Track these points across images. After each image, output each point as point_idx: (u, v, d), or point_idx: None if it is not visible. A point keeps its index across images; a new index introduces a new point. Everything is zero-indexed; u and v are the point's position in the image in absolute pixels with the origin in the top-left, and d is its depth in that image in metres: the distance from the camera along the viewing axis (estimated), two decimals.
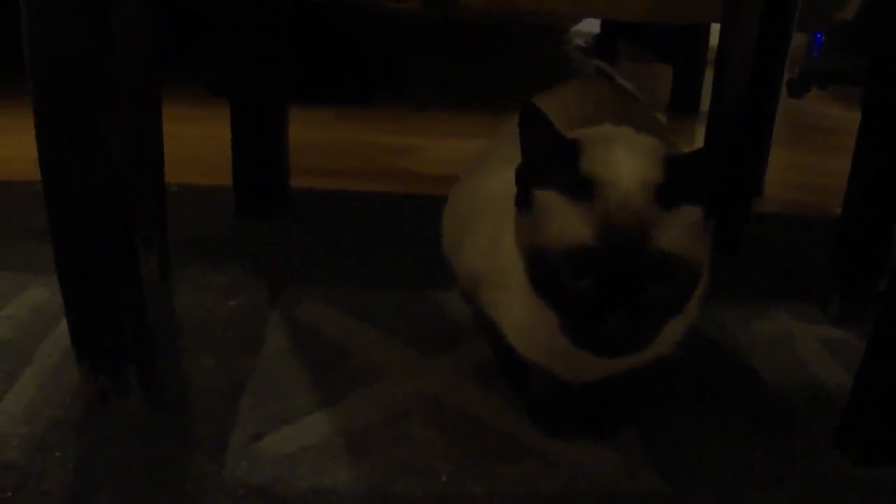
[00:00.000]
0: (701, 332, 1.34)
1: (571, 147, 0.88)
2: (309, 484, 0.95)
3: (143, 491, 0.92)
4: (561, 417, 1.09)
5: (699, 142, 1.78)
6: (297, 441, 1.02)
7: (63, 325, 1.05)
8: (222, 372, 1.15)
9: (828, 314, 1.47)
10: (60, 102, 0.92)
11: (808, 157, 2.66)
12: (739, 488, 1.01)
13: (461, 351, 1.25)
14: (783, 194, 2.19)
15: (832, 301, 1.47)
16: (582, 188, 0.86)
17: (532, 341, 1.00)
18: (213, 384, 1.13)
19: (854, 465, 1.06)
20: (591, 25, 3.80)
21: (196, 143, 2.08)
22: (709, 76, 2.32)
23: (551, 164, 0.88)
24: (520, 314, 0.97)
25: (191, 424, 1.04)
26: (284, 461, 0.99)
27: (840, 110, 3.43)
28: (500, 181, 0.97)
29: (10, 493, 0.90)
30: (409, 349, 1.25)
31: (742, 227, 1.73)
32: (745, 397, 1.22)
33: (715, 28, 2.70)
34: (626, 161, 0.87)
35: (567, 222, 0.86)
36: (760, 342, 1.36)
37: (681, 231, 0.85)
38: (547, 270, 0.87)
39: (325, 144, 2.30)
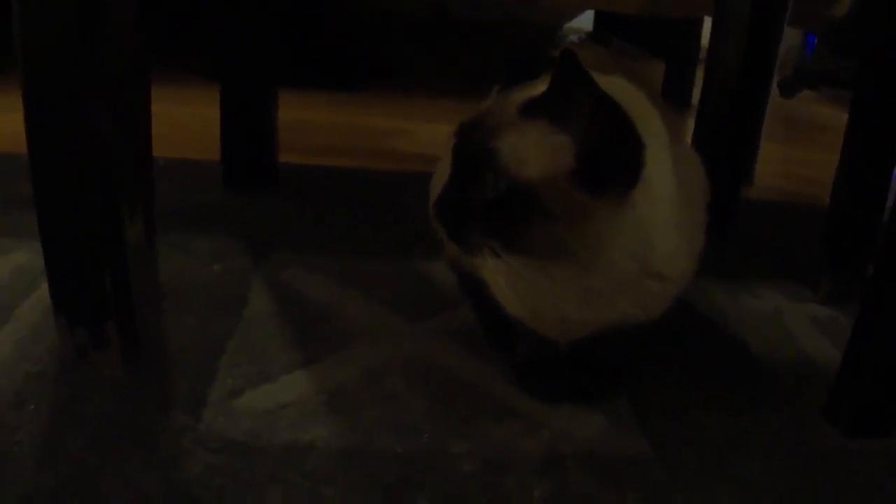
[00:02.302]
0: (692, 308, 1.34)
1: (541, 67, 0.90)
2: (287, 439, 0.93)
3: (117, 443, 0.90)
4: (548, 379, 1.07)
5: (690, 135, 1.79)
6: (276, 398, 1.00)
7: (44, 288, 1.03)
8: (204, 332, 1.14)
9: (817, 294, 1.46)
10: (49, 78, 0.91)
11: (799, 151, 2.66)
12: (728, 457, 0.99)
13: (447, 316, 1.24)
14: (775, 184, 2.20)
15: (821, 281, 1.46)
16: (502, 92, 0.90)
17: (518, 298, 0.98)
18: (193, 343, 1.11)
19: (844, 436, 1.05)
20: (584, 22, 3.80)
21: (188, 122, 2.08)
22: (701, 71, 2.32)
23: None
24: (508, 274, 0.96)
25: (169, 380, 1.02)
26: (263, 417, 0.97)
27: (831, 111, 3.44)
28: None
29: None
30: (395, 314, 1.23)
31: (731, 212, 1.72)
32: (735, 370, 1.20)
33: (708, 24, 2.70)
34: None
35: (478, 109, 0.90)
36: (750, 318, 1.35)
37: (527, 144, 0.83)
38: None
39: (317, 126, 2.29)
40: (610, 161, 0.83)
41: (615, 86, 0.89)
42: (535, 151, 0.83)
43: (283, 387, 1.03)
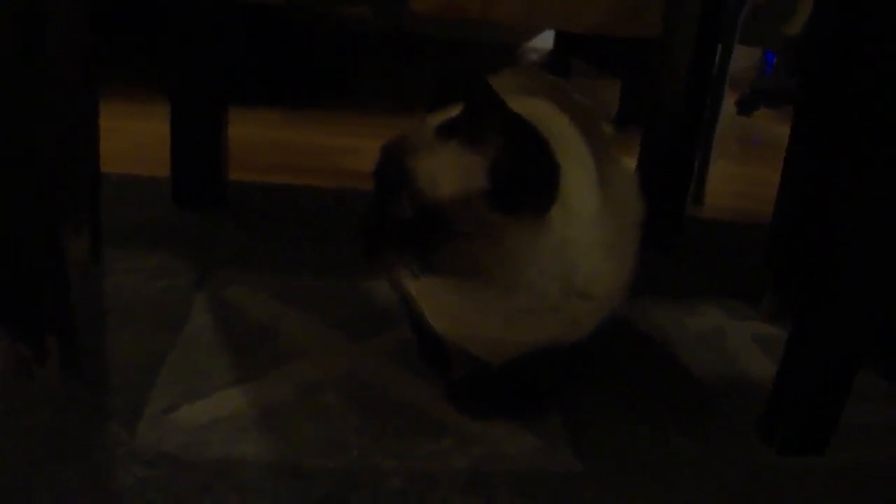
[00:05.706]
0: (632, 327, 1.36)
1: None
2: (219, 453, 0.95)
3: (52, 456, 0.91)
4: (481, 397, 1.09)
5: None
6: (210, 413, 1.02)
7: None
8: (144, 347, 1.15)
9: (760, 312, 1.49)
10: None
11: (755, 170, 2.69)
12: (660, 474, 1.02)
13: (387, 336, 1.25)
14: (729, 203, 2.23)
15: (764, 299, 1.49)
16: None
17: (442, 318, 1.00)
18: (133, 359, 1.12)
19: (777, 453, 1.08)
20: (544, 42, 3.83)
21: (143, 138, 2.09)
22: None
23: None
24: (435, 294, 0.98)
25: (106, 395, 1.03)
26: (197, 431, 0.98)
27: (787, 129, 3.47)
28: None
29: None
30: (335, 333, 1.25)
31: (676, 230, 1.74)
32: (672, 388, 1.23)
33: None
34: None
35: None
36: (691, 336, 1.38)
37: (440, 165, 0.86)
38: None
39: (270, 143, 2.30)
40: (522, 181, 0.85)
41: (534, 108, 0.91)
42: (447, 172, 0.85)
43: (217, 402, 1.04)
